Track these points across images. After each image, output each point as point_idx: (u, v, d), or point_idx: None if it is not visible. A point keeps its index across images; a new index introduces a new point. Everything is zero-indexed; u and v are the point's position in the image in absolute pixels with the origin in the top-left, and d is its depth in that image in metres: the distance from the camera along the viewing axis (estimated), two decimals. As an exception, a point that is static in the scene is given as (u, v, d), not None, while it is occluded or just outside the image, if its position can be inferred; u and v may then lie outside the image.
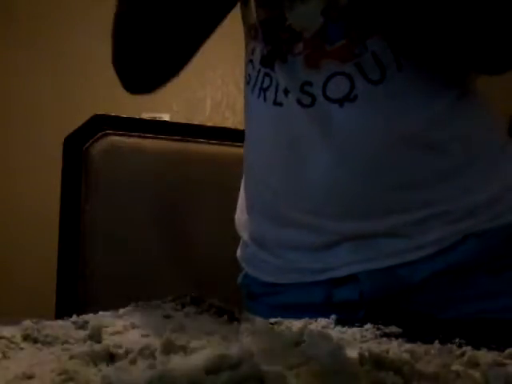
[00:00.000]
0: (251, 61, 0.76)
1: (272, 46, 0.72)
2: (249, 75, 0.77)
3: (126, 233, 1.05)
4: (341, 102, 0.67)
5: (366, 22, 0.66)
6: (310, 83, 0.69)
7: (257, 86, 0.74)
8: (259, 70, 0.74)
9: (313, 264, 0.72)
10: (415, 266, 0.69)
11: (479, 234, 0.69)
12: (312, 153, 0.70)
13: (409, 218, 0.68)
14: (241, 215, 0.83)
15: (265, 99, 0.73)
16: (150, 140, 1.09)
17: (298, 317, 0.56)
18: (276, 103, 0.72)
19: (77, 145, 1.04)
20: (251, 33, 0.76)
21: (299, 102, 0.69)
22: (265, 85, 0.73)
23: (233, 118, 2.84)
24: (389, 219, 0.68)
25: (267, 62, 0.73)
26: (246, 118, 0.80)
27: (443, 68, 0.69)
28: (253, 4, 0.75)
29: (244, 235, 0.82)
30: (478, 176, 0.70)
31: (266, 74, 0.73)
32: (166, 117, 2.72)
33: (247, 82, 0.77)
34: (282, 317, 0.56)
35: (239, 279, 0.83)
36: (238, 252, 0.83)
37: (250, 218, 0.80)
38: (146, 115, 2.52)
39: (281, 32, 0.70)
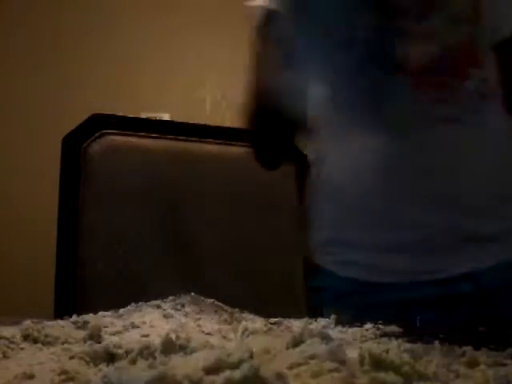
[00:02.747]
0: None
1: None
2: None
3: (125, 232, 1.05)
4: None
5: None
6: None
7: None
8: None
9: (416, 267, 0.73)
10: None
11: None
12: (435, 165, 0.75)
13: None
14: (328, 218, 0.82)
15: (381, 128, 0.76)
16: (149, 139, 1.09)
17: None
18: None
19: (75, 144, 1.04)
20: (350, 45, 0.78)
21: None
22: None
23: (233, 118, 2.83)
24: (499, 223, 0.72)
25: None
26: (336, 137, 0.81)
27: None
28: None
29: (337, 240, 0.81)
30: None
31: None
32: (165, 117, 2.71)
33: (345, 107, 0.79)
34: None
35: (313, 282, 0.82)
36: (319, 257, 0.82)
37: (346, 221, 0.80)
38: (144, 115, 2.52)
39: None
